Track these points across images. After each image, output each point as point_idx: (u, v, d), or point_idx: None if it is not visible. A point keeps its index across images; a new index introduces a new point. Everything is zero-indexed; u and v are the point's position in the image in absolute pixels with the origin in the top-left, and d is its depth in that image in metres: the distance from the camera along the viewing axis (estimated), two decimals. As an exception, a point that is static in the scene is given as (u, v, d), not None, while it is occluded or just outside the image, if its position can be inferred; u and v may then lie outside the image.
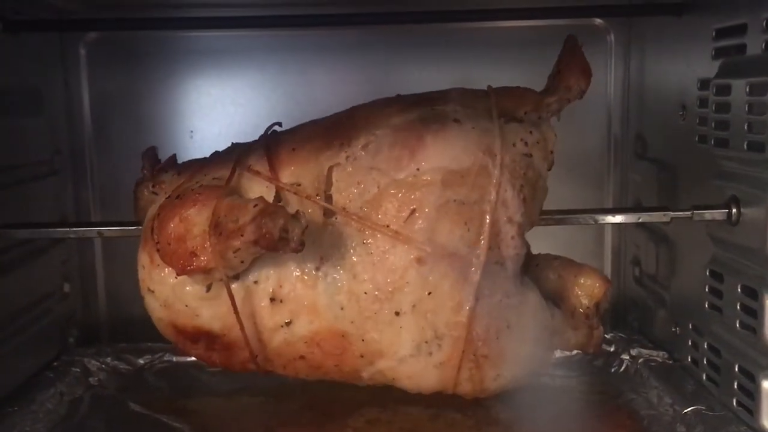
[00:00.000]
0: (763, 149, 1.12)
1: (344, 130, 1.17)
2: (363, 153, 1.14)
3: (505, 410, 1.33)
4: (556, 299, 1.24)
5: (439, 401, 1.35)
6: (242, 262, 1.09)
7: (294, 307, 1.13)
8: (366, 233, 1.11)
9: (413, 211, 1.09)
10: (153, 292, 1.17)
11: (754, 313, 1.16)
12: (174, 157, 1.27)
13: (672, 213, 1.27)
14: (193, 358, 1.51)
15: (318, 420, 1.30)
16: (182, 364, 1.53)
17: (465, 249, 1.09)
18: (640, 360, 1.46)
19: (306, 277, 1.12)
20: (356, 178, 1.13)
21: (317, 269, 1.12)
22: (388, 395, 1.36)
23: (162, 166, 1.25)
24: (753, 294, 1.16)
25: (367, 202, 1.12)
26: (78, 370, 1.46)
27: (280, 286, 1.12)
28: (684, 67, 1.39)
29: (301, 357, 1.16)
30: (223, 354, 1.18)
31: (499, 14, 1.55)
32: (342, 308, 1.11)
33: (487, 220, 1.10)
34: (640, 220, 1.30)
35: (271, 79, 1.65)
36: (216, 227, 1.06)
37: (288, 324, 1.13)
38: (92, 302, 1.70)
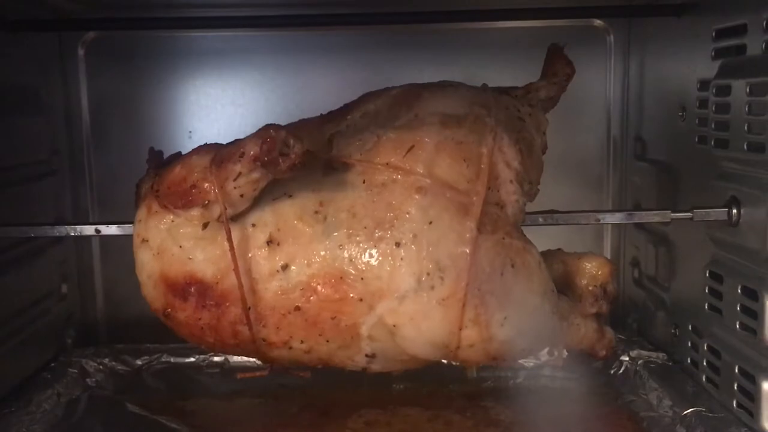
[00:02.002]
0: (764, 150, 1.12)
1: (346, 107, 1.22)
2: (363, 119, 1.18)
3: (504, 411, 1.33)
4: (562, 288, 1.22)
5: (438, 402, 1.36)
6: (242, 196, 1.08)
7: (291, 249, 1.10)
8: (366, 174, 1.12)
9: (412, 147, 1.11)
10: (147, 241, 1.14)
11: (755, 315, 1.15)
12: (179, 154, 1.27)
13: (672, 213, 1.26)
14: (192, 359, 1.54)
15: (317, 421, 1.30)
16: (180, 365, 1.53)
17: (464, 185, 1.10)
18: (640, 361, 1.45)
19: (304, 220, 1.11)
20: (356, 136, 1.16)
21: (316, 212, 1.11)
22: (387, 396, 1.37)
23: (167, 160, 1.25)
24: (753, 295, 1.16)
25: (367, 151, 1.13)
26: (75, 370, 1.46)
27: (278, 230, 1.11)
28: (684, 68, 1.39)
29: (297, 308, 1.11)
30: (214, 313, 1.13)
31: (498, 15, 1.54)
32: (341, 246, 1.09)
33: (485, 159, 1.11)
34: (641, 220, 1.30)
35: (270, 79, 1.65)
36: (218, 161, 1.08)
37: (284, 268, 1.10)
38: (90, 303, 1.69)
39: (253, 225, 1.12)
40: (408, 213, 1.08)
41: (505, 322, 1.09)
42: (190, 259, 1.12)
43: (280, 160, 1.04)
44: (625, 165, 1.68)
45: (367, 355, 1.15)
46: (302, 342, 1.14)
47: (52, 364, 1.47)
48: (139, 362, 1.53)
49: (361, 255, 1.09)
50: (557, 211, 1.25)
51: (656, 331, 1.54)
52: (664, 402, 1.30)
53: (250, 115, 1.65)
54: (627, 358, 1.47)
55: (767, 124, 1.10)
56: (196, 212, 1.10)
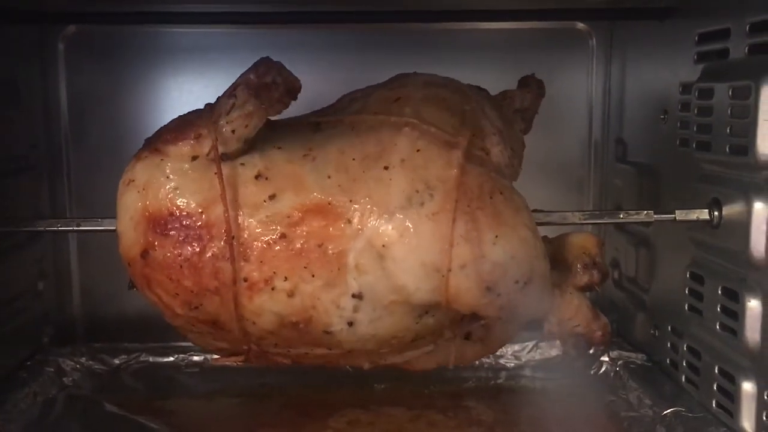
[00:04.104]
0: (746, 152, 1.13)
1: (332, 104, 1.26)
2: (351, 103, 1.22)
3: (486, 412, 1.34)
4: (552, 263, 1.23)
5: (421, 402, 1.36)
6: (233, 132, 1.10)
7: (280, 184, 1.12)
8: (354, 124, 1.16)
9: (399, 99, 1.16)
10: (134, 181, 1.13)
11: (735, 315, 1.16)
12: None
13: (656, 214, 1.27)
14: (171, 359, 1.52)
15: (298, 420, 1.29)
16: (159, 364, 1.52)
17: (450, 129, 1.13)
18: (620, 362, 1.47)
19: (294, 162, 1.13)
20: (346, 111, 1.21)
21: (305, 156, 1.13)
22: (369, 396, 1.36)
23: None
24: (734, 296, 1.17)
25: (356, 112, 1.18)
26: (52, 369, 1.44)
27: (267, 169, 1.13)
28: (666, 72, 1.40)
29: (282, 236, 1.10)
30: (196, 246, 1.11)
31: (481, 16, 1.55)
32: (329, 177, 1.11)
33: (468, 114, 1.16)
34: (626, 220, 1.31)
35: (254, 76, 1.63)
36: (213, 104, 1.12)
37: (272, 197, 1.11)
38: (67, 301, 1.66)
39: (242, 164, 1.12)
40: (396, 144, 1.11)
41: (497, 240, 1.08)
42: (175, 188, 1.11)
43: (274, 87, 1.08)
44: (606, 167, 1.69)
45: (354, 296, 1.11)
46: (286, 279, 1.11)
47: (28, 363, 1.44)
48: (116, 361, 1.51)
49: (349, 180, 1.11)
50: (542, 211, 1.25)
51: (636, 332, 1.55)
52: (645, 402, 1.31)
53: (232, 113, 1.62)
54: (607, 359, 1.49)
55: (750, 126, 1.11)
56: (185, 146, 1.11)
